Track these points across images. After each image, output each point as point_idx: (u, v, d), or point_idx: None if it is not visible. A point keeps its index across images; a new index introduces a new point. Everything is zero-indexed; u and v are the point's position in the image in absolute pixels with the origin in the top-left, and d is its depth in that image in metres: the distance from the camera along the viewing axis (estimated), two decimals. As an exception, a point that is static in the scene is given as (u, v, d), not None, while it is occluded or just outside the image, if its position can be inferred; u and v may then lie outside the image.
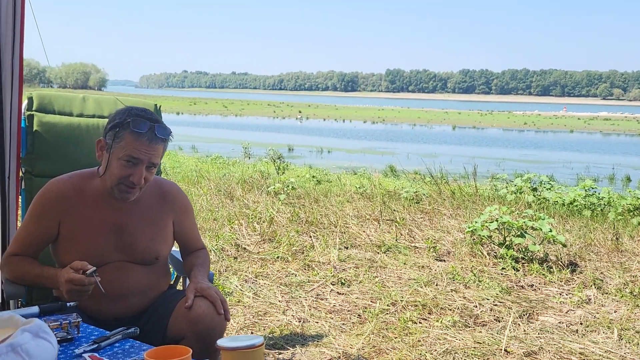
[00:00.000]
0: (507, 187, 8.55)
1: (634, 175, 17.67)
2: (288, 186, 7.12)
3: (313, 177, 10.13)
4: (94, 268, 1.68)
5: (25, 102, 2.36)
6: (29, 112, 2.33)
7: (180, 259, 2.26)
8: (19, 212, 2.45)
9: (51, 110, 2.39)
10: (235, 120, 46.56)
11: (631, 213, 6.57)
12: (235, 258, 4.39)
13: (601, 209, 7.09)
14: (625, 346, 3.01)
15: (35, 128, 2.31)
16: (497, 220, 4.66)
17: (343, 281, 3.90)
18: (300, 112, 59.41)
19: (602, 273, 4.33)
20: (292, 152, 22.64)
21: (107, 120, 2.47)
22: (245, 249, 4.61)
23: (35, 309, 1.56)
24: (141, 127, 1.78)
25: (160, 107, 2.57)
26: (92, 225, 1.87)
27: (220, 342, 1.26)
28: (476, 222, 4.79)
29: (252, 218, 5.50)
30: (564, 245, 4.58)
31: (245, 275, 3.97)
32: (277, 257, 4.37)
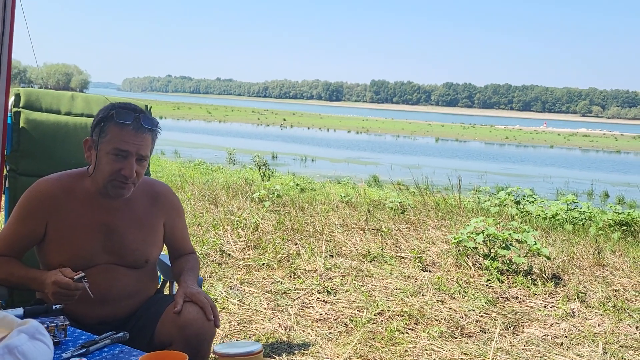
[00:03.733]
0: (489, 199, 8.63)
1: (612, 192, 17.96)
2: (273, 193, 7.08)
3: (297, 185, 10.10)
4: (83, 274, 1.63)
5: (12, 99, 2.30)
6: (15, 109, 2.27)
7: (167, 263, 2.21)
8: (2, 211, 2.38)
9: (38, 108, 2.33)
10: (219, 126, 46.36)
11: (612, 228, 6.65)
12: (220, 264, 4.33)
13: (582, 224, 7.17)
14: (610, 360, 3.03)
15: (21, 125, 2.25)
16: (482, 232, 4.67)
17: (329, 290, 3.87)
18: (284, 119, 59.43)
19: (585, 287, 4.36)
20: (276, 160, 22.59)
21: (95, 119, 2.46)
22: (230, 255, 4.55)
23: (19, 310, 1.51)
24: (126, 117, 1.74)
25: (150, 107, 2.53)
26: (80, 226, 1.82)
27: (218, 349, 1.22)
28: (462, 233, 4.81)
29: (237, 224, 5.44)
30: (548, 258, 4.61)
31: (230, 282, 3.92)
32: (263, 264, 4.32)
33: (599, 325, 3.56)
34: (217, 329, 1.91)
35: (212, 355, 2.30)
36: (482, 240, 4.66)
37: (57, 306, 1.58)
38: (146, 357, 1.20)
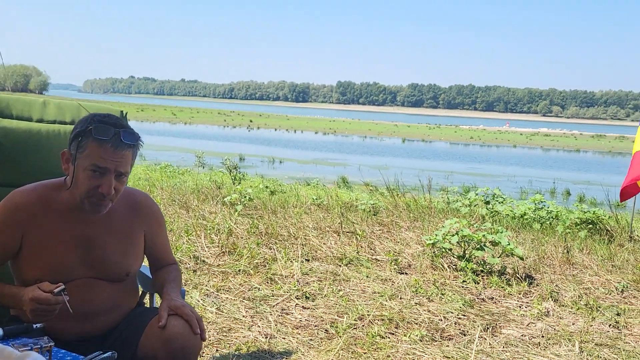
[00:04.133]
0: (458, 199, 8.74)
1: (573, 190, 18.49)
2: (245, 197, 7.00)
3: (266, 187, 10.01)
4: (63, 286, 1.56)
5: (-20, 106, 2.19)
6: (-16, 116, 2.17)
7: (147, 274, 2.15)
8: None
9: (8, 115, 2.23)
10: (185, 128, 45.80)
11: (578, 227, 6.80)
12: (195, 271, 4.25)
13: (550, 223, 7.32)
14: (587, 358, 3.08)
15: (-9, 133, 2.14)
16: (457, 234, 4.71)
17: (307, 295, 3.83)
18: (251, 121, 59.11)
19: (557, 286, 4.44)
20: (244, 162, 22.41)
21: (68, 126, 2.37)
22: (204, 261, 4.47)
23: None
24: (104, 133, 1.67)
25: (126, 113, 2.45)
26: (58, 238, 1.74)
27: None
28: (437, 235, 4.84)
29: (209, 229, 5.35)
30: (522, 259, 4.68)
31: (207, 289, 3.84)
32: (239, 270, 4.26)
33: (573, 324, 3.63)
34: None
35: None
36: (457, 242, 4.70)
37: (38, 325, 1.50)
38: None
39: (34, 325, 1.50)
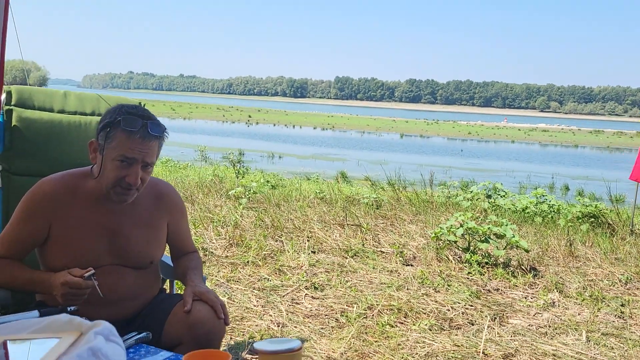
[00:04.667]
0: (458, 194, 8.79)
1: (572, 185, 18.53)
2: (249, 190, 7.05)
3: (267, 182, 10.05)
4: (93, 271, 1.60)
5: (3, 96, 2.23)
6: (7, 107, 2.20)
7: (167, 262, 2.19)
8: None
9: (31, 106, 2.26)
10: (184, 123, 45.73)
11: (580, 220, 6.86)
12: (204, 262, 4.28)
13: (551, 216, 7.38)
14: (594, 347, 3.14)
15: (14, 123, 2.18)
16: (462, 226, 4.77)
17: (316, 286, 3.88)
18: (250, 116, 59.06)
19: (561, 277, 4.50)
20: (243, 157, 22.40)
21: (89, 117, 2.41)
22: (212, 253, 4.52)
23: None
24: (133, 124, 1.70)
25: (144, 105, 2.48)
26: (84, 227, 1.78)
27: (258, 346, 1.22)
28: (442, 227, 4.89)
29: (216, 222, 5.40)
30: (527, 251, 4.74)
31: (217, 280, 3.89)
32: (247, 262, 4.30)
33: (579, 315, 3.69)
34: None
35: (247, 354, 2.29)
36: (462, 234, 4.75)
37: (72, 308, 1.55)
38: (190, 356, 1.19)
39: (69, 308, 1.54)
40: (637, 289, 4.35)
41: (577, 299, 4.01)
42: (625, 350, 3.14)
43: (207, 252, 4.51)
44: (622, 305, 3.90)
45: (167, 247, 2.08)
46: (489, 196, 8.00)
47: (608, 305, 3.88)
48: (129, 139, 1.70)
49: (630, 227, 6.50)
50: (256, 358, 1.18)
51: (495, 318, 3.50)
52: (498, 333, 3.25)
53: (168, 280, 2.28)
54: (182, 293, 1.89)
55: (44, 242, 1.80)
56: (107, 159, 1.73)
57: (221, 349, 2.00)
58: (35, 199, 1.78)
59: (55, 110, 2.31)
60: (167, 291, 2.27)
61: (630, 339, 3.30)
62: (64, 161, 2.17)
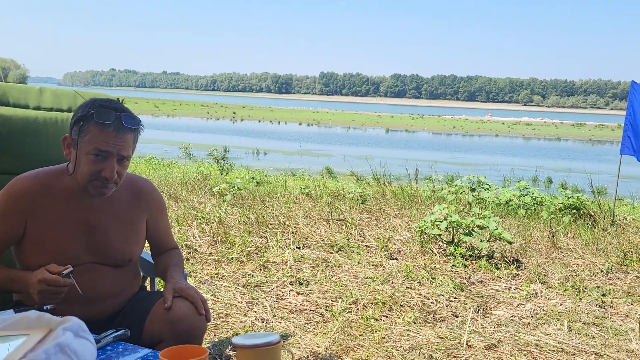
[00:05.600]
0: (443, 187, 8.84)
1: (555, 177, 18.74)
2: (234, 187, 7.01)
3: (252, 178, 10.02)
4: (71, 268, 1.58)
5: (-23, 94, 2.18)
6: (-19, 104, 2.16)
7: (146, 259, 2.17)
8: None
9: (5, 102, 2.21)
10: (168, 120, 45.42)
11: (562, 212, 6.94)
12: (187, 259, 4.26)
13: (534, 209, 7.45)
14: (576, 337, 3.18)
15: (-12, 121, 2.14)
16: (446, 219, 4.79)
17: (301, 281, 3.88)
18: (234, 113, 58.80)
19: (544, 269, 4.54)
20: (228, 154, 22.31)
21: (65, 113, 2.37)
22: (196, 250, 4.49)
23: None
24: (106, 117, 1.68)
25: (123, 101, 2.45)
26: (61, 225, 1.75)
27: (236, 340, 1.21)
28: (426, 221, 4.91)
29: (200, 219, 5.37)
30: (510, 243, 4.77)
31: (200, 277, 3.87)
32: (232, 258, 4.28)
33: (561, 305, 3.73)
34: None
35: (230, 350, 2.27)
36: (446, 227, 4.78)
37: (48, 307, 1.52)
38: (167, 352, 1.18)
39: (45, 307, 1.51)
40: (618, 278, 4.41)
41: (559, 289, 4.05)
42: (606, 339, 3.18)
43: (191, 249, 4.49)
44: (603, 295, 3.95)
45: (148, 244, 2.07)
46: (473, 189, 8.05)
47: (589, 295, 3.93)
48: (102, 132, 1.67)
49: (612, 218, 6.59)
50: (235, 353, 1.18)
51: (478, 310, 3.52)
52: (481, 324, 3.27)
53: (149, 277, 2.26)
54: (162, 290, 1.87)
55: (20, 241, 1.76)
56: (82, 153, 1.70)
57: (204, 345, 1.99)
58: (10, 197, 1.74)
59: (31, 106, 2.27)
60: (148, 288, 2.25)
61: (611, 328, 3.34)
62: (40, 158, 2.14)
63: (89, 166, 1.70)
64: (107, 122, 1.67)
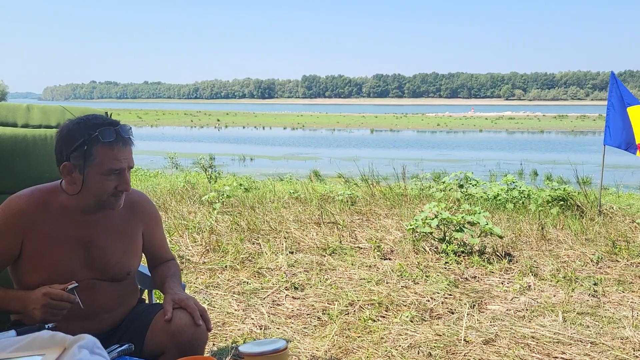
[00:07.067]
0: (431, 185, 8.90)
1: (540, 170, 18.92)
2: (223, 194, 7.00)
3: (240, 185, 10.00)
4: (76, 284, 1.59)
5: (-37, 114, 2.17)
6: (-31, 124, 2.14)
7: (143, 272, 2.17)
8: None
9: (-7, 121, 2.21)
10: (151, 130, 45.12)
11: (550, 204, 7.01)
12: (181, 270, 4.24)
13: (522, 202, 7.52)
14: (571, 327, 3.22)
15: (-23, 140, 2.12)
16: (437, 217, 4.82)
17: (296, 286, 3.88)
18: (218, 120, 58.62)
19: (535, 261, 4.59)
20: (214, 161, 22.24)
21: (54, 130, 2.35)
22: (189, 260, 4.48)
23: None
24: (110, 136, 1.69)
25: (111, 114, 2.45)
26: (58, 241, 1.75)
27: (243, 349, 1.22)
28: (417, 219, 4.94)
29: (191, 229, 5.35)
30: (501, 237, 4.82)
31: (195, 287, 3.86)
32: (225, 266, 4.28)
33: (554, 296, 3.77)
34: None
35: (232, 359, 2.27)
36: (437, 225, 4.81)
37: (50, 325, 1.52)
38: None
39: (47, 325, 1.51)
40: (608, 267, 4.47)
41: (551, 281, 4.10)
42: (601, 328, 3.23)
43: (184, 260, 4.47)
44: (594, 285, 4.00)
45: (144, 257, 2.06)
46: (461, 186, 8.10)
47: (581, 285, 3.98)
48: (112, 151, 1.69)
49: (598, 207, 6.67)
50: (242, 361, 1.18)
51: (474, 305, 3.55)
52: (478, 320, 3.31)
53: (146, 290, 2.26)
54: (161, 302, 1.87)
55: (17, 259, 1.76)
56: (92, 175, 1.70)
57: (205, 355, 1.99)
58: (5, 216, 1.74)
59: (19, 124, 2.26)
60: (147, 301, 2.25)
61: (604, 317, 3.39)
62: (31, 176, 2.13)
63: (105, 185, 1.72)
64: (112, 139, 1.69)
